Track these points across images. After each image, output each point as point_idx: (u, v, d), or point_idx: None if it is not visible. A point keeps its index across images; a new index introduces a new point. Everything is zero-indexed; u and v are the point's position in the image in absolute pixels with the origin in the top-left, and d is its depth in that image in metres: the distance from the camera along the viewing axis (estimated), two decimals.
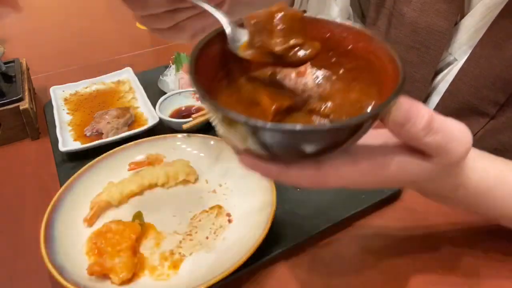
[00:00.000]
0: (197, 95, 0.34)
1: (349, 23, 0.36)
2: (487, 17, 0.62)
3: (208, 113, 0.35)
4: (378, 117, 0.31)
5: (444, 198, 0.45)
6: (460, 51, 0.66)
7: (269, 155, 0.32)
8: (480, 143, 0.67)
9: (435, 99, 0.72)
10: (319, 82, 0.38)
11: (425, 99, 0.75)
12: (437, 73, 0.70)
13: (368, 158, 0.34)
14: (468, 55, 0.64)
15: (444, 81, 0.69)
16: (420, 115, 0.32)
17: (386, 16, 0.74)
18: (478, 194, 0.43)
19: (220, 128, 0.32)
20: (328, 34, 0.36)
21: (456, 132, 0.35)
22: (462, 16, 0.65)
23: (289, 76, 0.38)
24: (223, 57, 0.35)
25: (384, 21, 0.75)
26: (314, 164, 0.33)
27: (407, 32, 0.70)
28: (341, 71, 0.37)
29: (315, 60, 0.36)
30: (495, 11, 0.61)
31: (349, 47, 0.36)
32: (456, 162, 0.36)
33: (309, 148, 0.30)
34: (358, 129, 0.30)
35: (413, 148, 0.35)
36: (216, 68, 0.35)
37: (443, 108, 0.71)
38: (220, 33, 0.35)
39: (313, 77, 0.38)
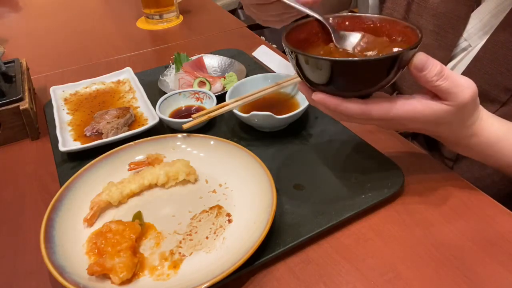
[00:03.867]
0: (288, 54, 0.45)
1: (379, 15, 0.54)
2: (504, 3, 0.62)
3: (293, 64, 0.49)
4: (406, 55, 0.46)
5: (462, 146, 0.56)
6: (475, 37, 0.67)
7: (333, 89, 0.48)
8: None
9: None
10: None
11: None
12: (451, 59, 0.71)
13: (402, 97, 0.49)
14: (483, 41, 0.65)
15: (458, 67, 0.70)
16: (434, 64, 0.47)
17: (402, 6, 0.77)
18: (489, 143, 0.54)
19: (303, 73, 0.49)
20: (370, 24, 0.55)
21: (461, 81, 0.48)
22: (479, 3, 0.66)
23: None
24: (305, 38, 0.54)
25: (401, 11, 0.78)
26: (362, 100, 0.48)
27: (428, 17, 0.72)
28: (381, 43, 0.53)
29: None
30: None
31: (384, 29, 0.54)
32: (465, 105, 0.48)
33: (360, 77, 0.47)
34: (394, 62, 0.45)
35: (431, 95, 0.49)
36: (299, 42, 0.53)
37: None
38: (307, 23, 0.54)
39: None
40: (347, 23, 0.55)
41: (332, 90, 0.48)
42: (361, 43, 0.54)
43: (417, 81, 0.48)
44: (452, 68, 0.72)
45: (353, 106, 0.48)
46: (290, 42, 0.50)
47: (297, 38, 0.53)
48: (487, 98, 0.66)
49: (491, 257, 0.51)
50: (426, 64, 0.46)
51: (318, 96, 0.49)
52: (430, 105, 0.49)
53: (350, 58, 0.46)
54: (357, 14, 0.55)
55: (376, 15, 0.54)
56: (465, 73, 0.69)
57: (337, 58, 0.46)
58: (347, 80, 0.47)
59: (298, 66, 0.48)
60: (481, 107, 0.53)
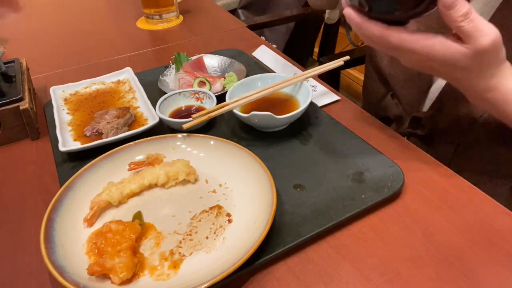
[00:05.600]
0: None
1: None
2: (491, 2, 0.63)
3: None
4: None
5: (478, 98, 0.56)
6: None
7: (361, 7, 0.50)
8: (485, 125, 0.69)
9: (441, 83, 0.73)
10: None
11: (431, 82, 0.76)
12: None
13: (422, 33, 0.50)
14: None
15: None
16: (464, 5, 0.46)
17: None
18: (506, 100, 0.53)
19: None
20: None
21: (484, 27, 0.48)
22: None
23: None
24: None
25: None
26: (384, 25, 0.50)
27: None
28: None
29: None
30: None
31: None
32: (483, 51, 0.48)
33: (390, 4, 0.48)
34: None
35: (453, 37, 0.49)
36: None
37: (450, 92, 0.72)
38: None
39: None
40: None
41: (362, 8, 0.50)
42: None
43: (443, 18, 0.48)
44: None
45: (375, 28, 0.50)
46: None
47: None
48: None
49: (491, 257, 0.51)
50: (455, 2, 0.46)
51: (347, 11, 0.51)
52: (448, 46, 0.49)
53: None
54: None
55: None
56: None
57: None
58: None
59: None
60: (507, 63, 0.53)
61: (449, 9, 0.47)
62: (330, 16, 1.52)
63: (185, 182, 0.63)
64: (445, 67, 0.52)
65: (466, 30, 0.47)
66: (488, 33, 0.48)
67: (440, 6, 0.47)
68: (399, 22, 0.51)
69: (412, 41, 0.50)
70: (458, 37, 0.49)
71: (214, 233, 0.56)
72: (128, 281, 0.50)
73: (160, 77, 0.88)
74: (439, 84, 0.74)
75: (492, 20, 0.63)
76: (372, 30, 0.50)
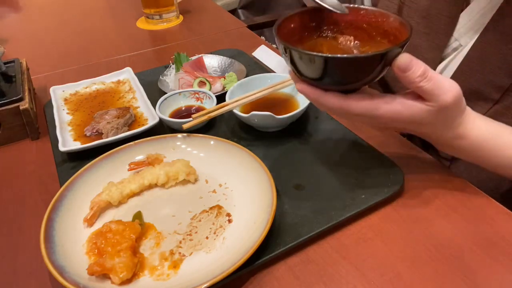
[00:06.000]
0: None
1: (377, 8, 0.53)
2: (492, 2, 0.62)
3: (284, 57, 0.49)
4: (390, 54, 0.45)
5: (449, 147, 0.55)
6: (465, 37, 0.67)
7: (314, 81, 0.49)
8: None
9: None
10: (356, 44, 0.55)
11: None
12: (442, 59, 0.71)
13: (384, 97, 0.48)
14: (473, 40, 0.65)
15: (449, 67, 0.71)
16: (419, 65, 0.46)
17: (393, 9, 0.77)
18: (476, 145, 0.53)
19: (288, 61, 0.48)
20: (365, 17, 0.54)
21: (444, 83, 0.47)
22: (468, 2, 0.66)
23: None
24: (297, 29, 0.54)
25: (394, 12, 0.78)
26: (342, 95, 0.48)
27: (418, 19, 0.72)
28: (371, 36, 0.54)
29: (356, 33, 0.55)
30: None
31: (377, 23, 0.53)
32: (447, 107, 0.47)
33: (343, 73, 0.46)
34: (380, 60, 0.45)
35: (413, 95, 0.48)
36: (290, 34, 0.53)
37: None
38: (299, 13, 0.54)
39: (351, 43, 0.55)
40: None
41: (314, 82, 0.49)
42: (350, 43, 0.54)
43: (400, 81, 0.47)
44: (444, 69, 0.72)
45: (332, 100, 0.48)
46: (281, 30, 0.51)
47: (290, 26, 0.53)
48: (480, 96, 0.66)
49: (491, 257, 0.51)
50: (410, 65, 0.45)
51: (300, 86, 0.50)
52: (410, 106, 0.48)
53: (329, 54, 0.45)
54: (355, 6, 0.55)
55: (373, 8, 0.54)
56: (456, 72, 0.69)
57: (313, 52, 0.45)
58: (326, 74, 0.47)
59: (284, 55, 0.49)
60: (468, 109, 0.52)
61: (405, 72, 0.46)
62: None
63: (185, 182, 0.63)
64: (410, 125, 0.51)
65: (426, 89, 0.46)
66: (450, 89, 0.47)
67: (395, 70, 0.46)
68: (355, 89, 0.50)
69: (373, 109, 0.48)
70: (419, 95, 0.48)
71: (214, 233, 0.56)
72: (128, 281, 0.50)
73: (160, 77, 0.88)
74: None
75: (492, 20, 0.63)
76: (330, 103, 0.49)
